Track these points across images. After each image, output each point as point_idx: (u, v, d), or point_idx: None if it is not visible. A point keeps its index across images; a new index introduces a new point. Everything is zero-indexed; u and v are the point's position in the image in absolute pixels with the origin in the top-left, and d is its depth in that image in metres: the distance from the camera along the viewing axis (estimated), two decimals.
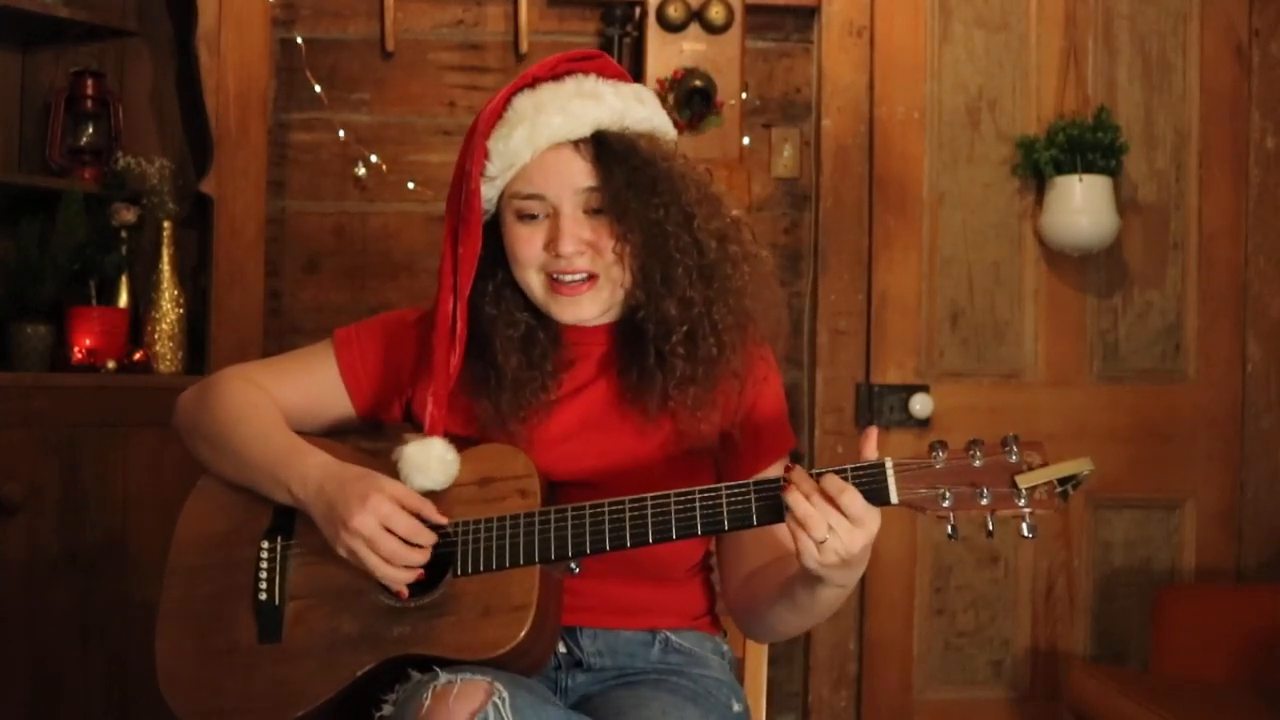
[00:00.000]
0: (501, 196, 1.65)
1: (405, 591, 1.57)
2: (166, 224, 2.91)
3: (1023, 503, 1.42)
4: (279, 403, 1.74)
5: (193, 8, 2.86)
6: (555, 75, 1.66)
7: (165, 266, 2.90)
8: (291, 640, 1.61)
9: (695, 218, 1.64)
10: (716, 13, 3.05)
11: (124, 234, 2.89)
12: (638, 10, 3.10)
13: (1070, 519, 3.30)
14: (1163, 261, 3.34)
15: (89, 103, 2.95)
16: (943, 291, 3.29)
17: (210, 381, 1.79)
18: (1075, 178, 3.14)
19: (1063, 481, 1.42)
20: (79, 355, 2.81)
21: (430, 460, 1.60)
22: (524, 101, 1.63)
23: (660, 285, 1.63)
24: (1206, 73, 3.33)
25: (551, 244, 1.62)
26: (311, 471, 1.62)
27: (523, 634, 1.52)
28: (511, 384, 1.67)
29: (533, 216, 1.64)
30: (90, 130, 2.97)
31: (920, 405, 3.23)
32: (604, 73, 1.68)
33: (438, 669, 1.48)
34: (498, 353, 1.67)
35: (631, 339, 1.68)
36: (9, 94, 3.00)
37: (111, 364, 2.82)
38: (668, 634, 1.72)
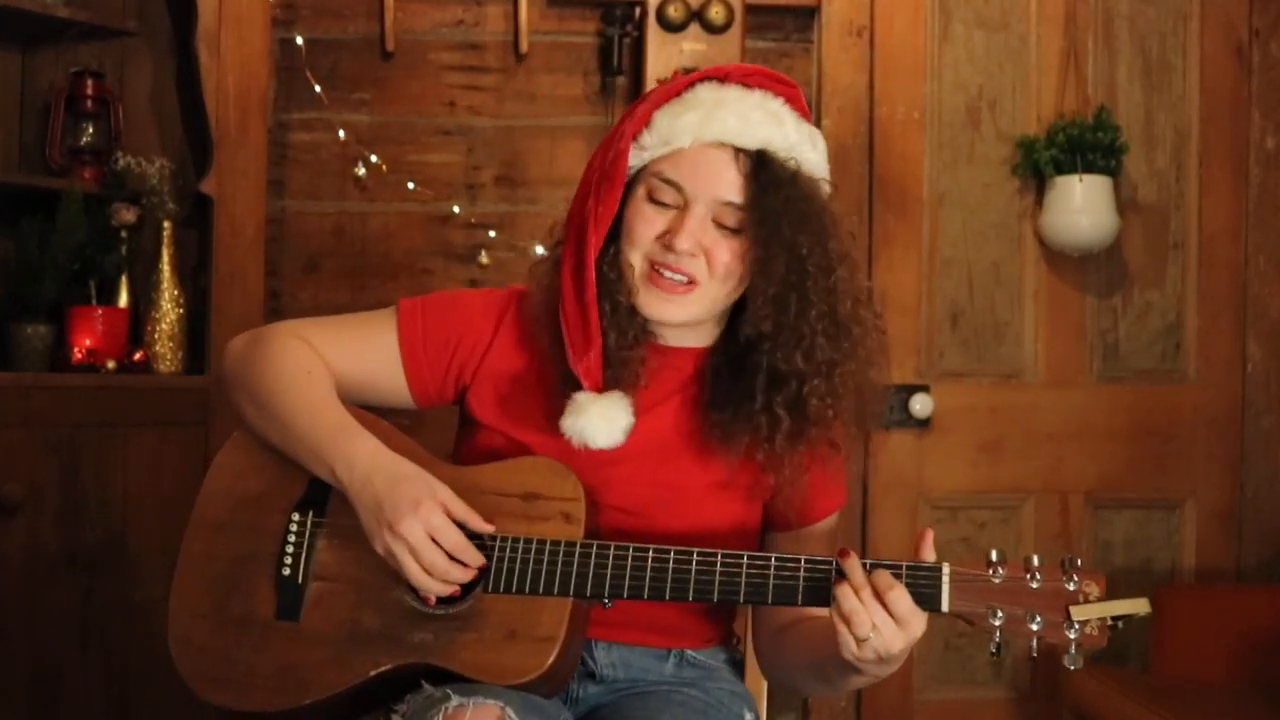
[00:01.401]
0: (643, 169, 1.59)
1: (433, 599, 1.53)
2: (166, 224, 2.91)
3: (1073, 634, 1.40)
4: (330, 368, 1.67)
5: (193, 8, 2.86)
6: (746, 82, 1.61)
7: (165, 266, 2.90)
8: (309, 622, 1.57)
9: (837, 269, 1.57)
10: (716, 13, 3.05)
11: (124, 234, 2.89)
12: (638, 10, 3.10)
13: (1070, 518, 3.30)
14: (1163, 261, 3.33)
15: (89, 103, 2.95)
16: (943, 291, 3.28)
17: (263, 336, 1.69)
18: (1075, 178, 3.14)
19: (1115, 618, 1.39)
20: (79, 355, 2.80)
21: (613, 426, 1.55)
22: (707, 91, 1.59)
23: (789, 327, 1.55)
24: (1206, 73, 3.32)
25: (668, 235, 1.56)
26: (360, 458, 1.55)
27: (545, 666, 1.49)
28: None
29: (663, 202, 1.58)
30: (90, 130, 2.97)
31: (920, 405, 3.23)
32: (792, 103, 1.62)
33: (449, 690, 1.45)
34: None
35: (730, 372, 1.60)
36: (9, 94, 3.00)
37: (111, 364, 2.82)
38: (684, 649, 1.70)
